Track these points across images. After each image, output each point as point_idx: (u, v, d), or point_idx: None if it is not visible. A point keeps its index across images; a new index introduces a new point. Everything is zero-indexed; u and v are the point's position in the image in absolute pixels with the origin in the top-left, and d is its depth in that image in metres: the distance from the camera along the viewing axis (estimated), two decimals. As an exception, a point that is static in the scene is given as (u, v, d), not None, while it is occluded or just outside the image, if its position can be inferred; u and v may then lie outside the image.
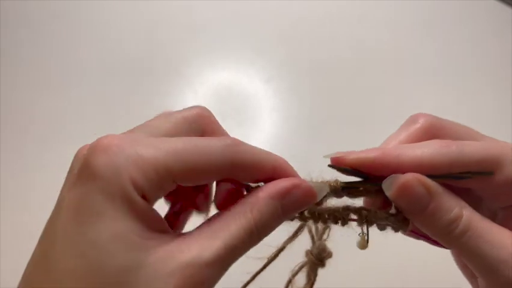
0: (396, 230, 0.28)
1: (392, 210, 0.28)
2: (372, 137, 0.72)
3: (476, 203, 0.28)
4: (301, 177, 0.27)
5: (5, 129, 0.68)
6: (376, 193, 0.27)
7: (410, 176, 0.25)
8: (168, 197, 0.30)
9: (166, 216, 0.30)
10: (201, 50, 0.78)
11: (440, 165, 0.26)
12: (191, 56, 0.78)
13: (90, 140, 0.25)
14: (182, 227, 0.30)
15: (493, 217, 0.28)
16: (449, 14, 0.86)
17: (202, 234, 0.23)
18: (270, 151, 0.27)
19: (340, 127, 0.73)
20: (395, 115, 0.73)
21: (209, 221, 0.24)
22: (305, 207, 0.26)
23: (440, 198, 0.25)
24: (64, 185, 0.25)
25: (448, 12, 0.86)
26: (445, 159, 0.26)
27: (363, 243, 0.28)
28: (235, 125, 0.72)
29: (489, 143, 0.27)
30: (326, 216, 0.27)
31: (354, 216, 0.27)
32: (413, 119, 0.29)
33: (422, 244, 0.29)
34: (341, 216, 0.27)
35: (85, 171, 0.23)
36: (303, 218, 0.28)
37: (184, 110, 0.28)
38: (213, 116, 0.29)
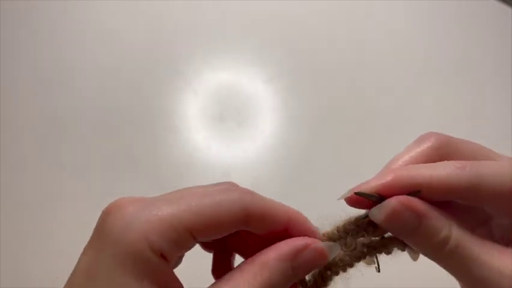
0: (402, 249, 0.28)
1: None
2: (373, 137, 0.72)
3: (485, 221, 0.28)
4: (314, 226, 0.27)
5: (4, 130, 0.68)
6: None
7: (395, 203, 0.25)
8: (205, 247, 0.30)
9: (214, 265, 0.30)
10: (201, 50, 0.78)
11: (457, 188, 0.25)
12: (191, 56, 0.78)
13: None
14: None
15: (504, 233, 0.27)
16: (449, 14, 0.86)
17: None
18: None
19: (340, 127, 0.73)
20: (395, 115, 0.74)
21: (219, 281, 0.24)
22: (317, 267, 0.26)
23: (429, 221, 0.25)
24: (84, 247, 0.25)
25: (448, 12, 0.86)
26: (462, 182, 0.25)
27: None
28: (235, 125, 0.72)
29: (506, 162, 0.26)
30: (341, 265, 0.27)
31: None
32: (424, 138, 0.28)
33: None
34: (352, 259, 0.27)
35: (98, 234, 0.24)
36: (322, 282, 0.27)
37: (210, 186, 0.27)
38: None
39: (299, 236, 0.26)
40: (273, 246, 0.25)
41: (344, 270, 0.27)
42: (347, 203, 0.27)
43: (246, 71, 0.77)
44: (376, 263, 0.28)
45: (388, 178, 0.26)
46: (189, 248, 0.25)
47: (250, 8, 0.83)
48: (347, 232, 0.27)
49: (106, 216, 0.24)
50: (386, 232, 0.28)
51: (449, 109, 0.75)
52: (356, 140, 0.72)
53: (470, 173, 0.25)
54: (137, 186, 0.65)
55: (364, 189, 0.26)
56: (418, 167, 0.26)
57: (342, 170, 0.68)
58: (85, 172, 0.66)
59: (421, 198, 0.26)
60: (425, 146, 0.28)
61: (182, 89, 0.74)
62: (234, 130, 0.71)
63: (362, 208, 0.27)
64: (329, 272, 0.27)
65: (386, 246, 0.27)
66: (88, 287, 0.23)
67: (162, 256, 0.23)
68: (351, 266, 0.27)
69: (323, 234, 0.27)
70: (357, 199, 0.26)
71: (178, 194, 0.25)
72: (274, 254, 0.24)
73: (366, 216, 0.27)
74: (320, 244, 0.25)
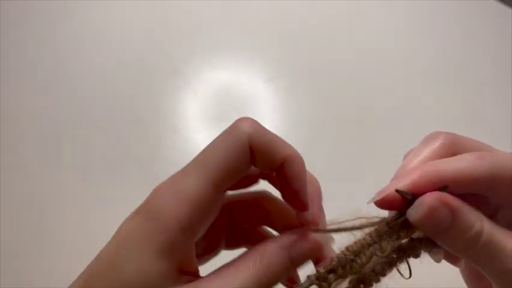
0: (429, 250, 0.27)
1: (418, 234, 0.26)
2: (373, 137, 0.72)
3: (493, 212, 0.27)
4: (308, 172, 0.29)
5: (4, 130, 0.68)
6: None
7: (431, 199, 0.24)
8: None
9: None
10: (201, 50, 0.78)
11: (478, 179, 0.25)
12: (190, 55, 0.78)
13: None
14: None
15: (508, 224, 0.27)
16: (449, 15, 0.86)
17: (212, 282, 0.24)
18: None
19: (340, 127, 0.73)
20: (395, 115, 0.74)
21: (220, 268, 0.25)
22: (312, 258, 0.27)
23: (462, 215, 0.25)
24: (129, 216, 0.27)
25: (448, 12, 0.86)
26: (484, 171, 0.25)
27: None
28: (235, 125, 0.71)
29: None
30: (373, 276, 0.25)
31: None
32: (432, 136, 0.28)
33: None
34: (384, 266, 0.26)
35: (139, 209, 0.26)
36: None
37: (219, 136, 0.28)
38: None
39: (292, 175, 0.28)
40: (274, 237, 0.27)
41: (377, 281, 0.25)
42: (379, 205, 0.26)
43: (246, 71, 0.77)
44: (408, 268, 0.26)
45: (415, 176, 0.25)
46: (217, 210, 0.27)
47: (250, 8, 0.83)
48: (380, 236, 0.25)
49: (149, 196, 0.26)
50: (414, 233, 0.26)
51: (449, 109, 0.75)
52: (356, 140, 0.72)
53: (490, 162, 0.25)
54: (137, 186, 0.65)
55: (400, 187, 0.25)
56: (440, 162, 0.26)
57: (342, 170, 0.68)
58: (85, 172, 0.66)
59: (449, 192, 0.25)
60: (437, 143, 0.28)
61: (182, 89, 0.74)
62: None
63: (393, 209, 0.26)
64: (362, 286, 0.25)
65: (415, 249, 0.26)
66: (116, 251, 0.25)
67: (189, 232, 0.25)
68: (384, 275, 0.26)
69: (355, 242, 0.26)
70: (391, 199, 0.25)
71: (198, 158, 0.27)
72: (274, 243, 0.26)
73: (399, 216, 0.25)
74: (315, 235, 0.27)
